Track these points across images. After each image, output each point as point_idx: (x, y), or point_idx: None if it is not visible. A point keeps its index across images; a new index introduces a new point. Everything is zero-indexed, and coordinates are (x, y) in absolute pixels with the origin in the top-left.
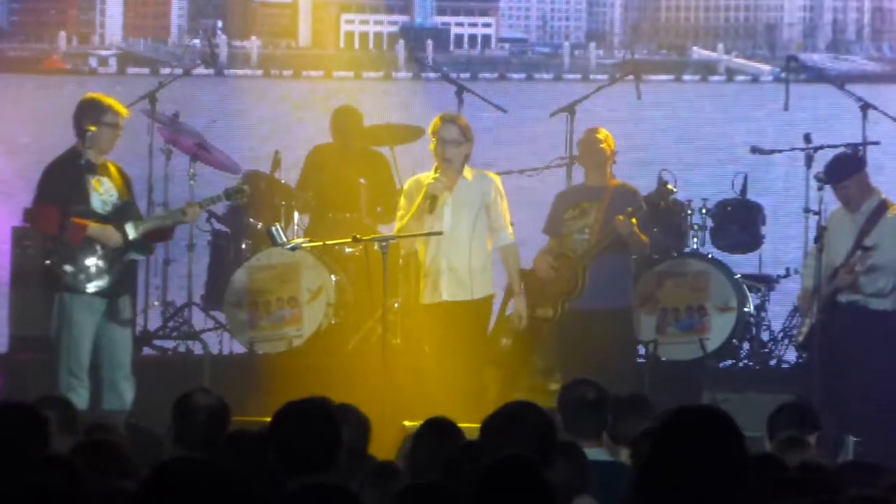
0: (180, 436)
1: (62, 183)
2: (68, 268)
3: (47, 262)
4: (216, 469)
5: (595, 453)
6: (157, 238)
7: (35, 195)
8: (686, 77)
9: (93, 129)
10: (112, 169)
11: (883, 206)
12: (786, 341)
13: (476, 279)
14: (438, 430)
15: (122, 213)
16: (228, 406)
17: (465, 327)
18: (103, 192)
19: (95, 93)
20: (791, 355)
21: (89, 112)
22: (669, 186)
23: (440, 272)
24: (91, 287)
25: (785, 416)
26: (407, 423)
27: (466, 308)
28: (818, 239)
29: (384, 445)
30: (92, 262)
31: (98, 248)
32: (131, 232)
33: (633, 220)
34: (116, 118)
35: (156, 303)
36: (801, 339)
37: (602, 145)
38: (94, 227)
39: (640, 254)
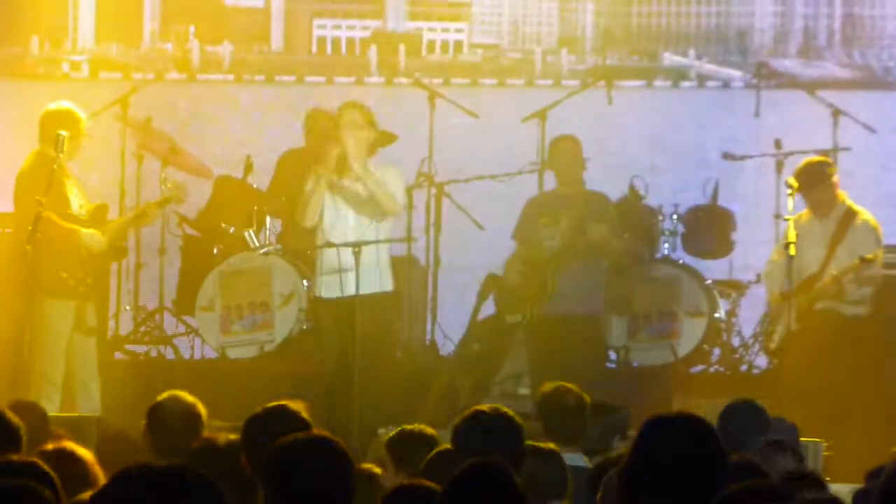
0: (153, 444)
1: (42, 187)
2: (64, 274)
3: (58, 270)
4: (178, 475)
5: (575, 458)
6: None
7: (16, 200)
8: (657, 83)
9: (67, 132)
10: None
11: (851, 211)
12: (756, 347)
13: (383, 273)
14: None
15: (97, 216)
16: (201, 410)
17: (374, 321)
18: (78, 196)
19: (61, 103)
20: (762, 361)
21: (61, 121)
22: (639, 192)
23: (345, 268)
24: (79, 292)
25: (736, 417)
26: (381, 429)
27: (374, 301)
28: (788, 245)
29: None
30: (80, 266)
31: (83, 251)
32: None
33: (605, 227)
34: (83, 126)
35: (127, 307)
36: (773, 345)
37: (575, 152)
38: (83, 234)
39: (613, 260)
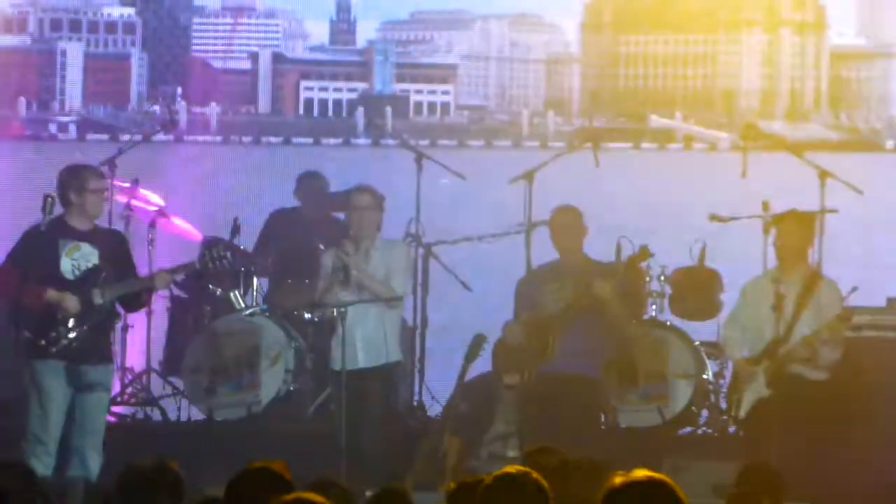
0: None
1: (31, 247)
2: (27, 334)
3: (13, 327)
4: None
5: None
6: (132, 305)
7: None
8: (644, 144)
9: (53, 194)
10: (101, 236)
11: (815, 274)
12: None
13: (390, 344)
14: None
15: (88, 278)
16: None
17: (381, 391)
18: (78, 258)
19: (76, 162)
20: None
21: (72, 181)
22: (648, 249)
23: (355, 341)
24: (54, 352)
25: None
26: (368, 492)
27: (382, 373)
28: (775, 306)
29: None
30: (53, 327)
31: (59, 313)
32: (97, 298)
33: (609, 286)
34: (100, 183)
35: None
36: (742, 413)
37: (574, 224)
38: (51, 293)
39: (622, 322)
